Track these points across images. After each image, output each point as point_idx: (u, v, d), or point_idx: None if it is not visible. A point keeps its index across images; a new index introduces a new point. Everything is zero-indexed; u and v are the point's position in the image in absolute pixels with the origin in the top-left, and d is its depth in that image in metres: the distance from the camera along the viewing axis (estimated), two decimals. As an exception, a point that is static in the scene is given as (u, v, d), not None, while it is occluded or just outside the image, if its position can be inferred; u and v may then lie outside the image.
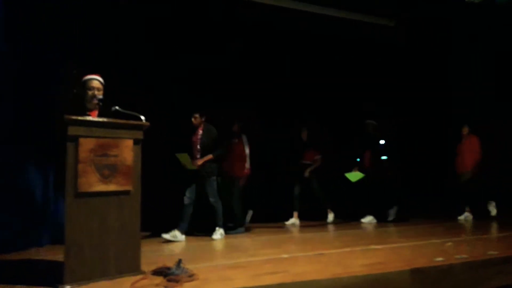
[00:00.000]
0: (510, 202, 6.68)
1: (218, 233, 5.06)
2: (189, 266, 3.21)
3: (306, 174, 6.34)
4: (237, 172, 5.75)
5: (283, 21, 6.67)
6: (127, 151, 3.20)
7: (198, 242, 4.94)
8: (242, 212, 5.76)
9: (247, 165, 5.79)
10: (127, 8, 5.63)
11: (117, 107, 3.41)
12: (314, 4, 6.57)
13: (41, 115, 4.29)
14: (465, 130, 6.49)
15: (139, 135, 3.30)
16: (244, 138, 5.86)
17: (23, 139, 4.22)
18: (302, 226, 6.09)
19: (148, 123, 3.35)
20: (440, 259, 3.56)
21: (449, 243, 4.36)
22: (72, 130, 2.96)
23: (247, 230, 5.73)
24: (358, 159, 6.50)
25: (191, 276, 3.04)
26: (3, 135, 4.03)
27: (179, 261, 3.20)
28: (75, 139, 2.98)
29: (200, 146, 5.09)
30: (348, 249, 4.19)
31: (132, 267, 3.19)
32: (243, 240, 5.02)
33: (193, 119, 5.08)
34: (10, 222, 4.12)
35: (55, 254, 3.84)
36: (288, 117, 7.25)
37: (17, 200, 4.27)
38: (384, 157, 6.36)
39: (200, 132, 5.11)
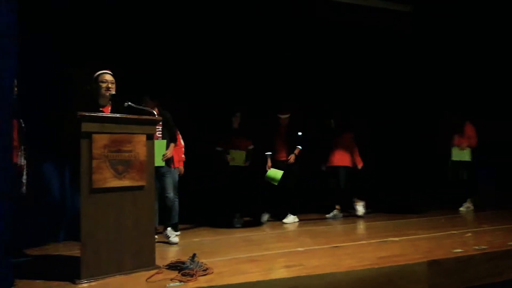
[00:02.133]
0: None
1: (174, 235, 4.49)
2: (203, 260, 3.23)
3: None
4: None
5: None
6: (140, 146, 3.21)
7: (212, 237, 4.95)
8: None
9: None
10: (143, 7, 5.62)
11: (129, 103, 3.44)
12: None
13: (55, 113, 4.34)
14: (331, 123, 6.26)
15: (152, 130, 3.32)
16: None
17: (39, 137, 4.29)
18: (317, 219, 6.01)
19: (160, 118, 3.37)
20: (459, 250, 3.50)
21: (468, 234, 4.28)
22: (85, 127, 2.99)
23: (261, 224, 5.67)
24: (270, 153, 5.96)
25: (205, 270, 3.06)
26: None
27: (194, 256, 3.22)
28: (89, 135, 3.00)
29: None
30: (364, 242, 4.15)
31: (147, 262, 3.22)
32: (257, 234, 5.00)
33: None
34: (28, 218, 4.20)
35: (73, 250, 3.90)
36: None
37: (34, 197, 4.35)
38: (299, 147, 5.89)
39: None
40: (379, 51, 7.53)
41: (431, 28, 7.25)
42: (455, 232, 4.50)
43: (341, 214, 6.10)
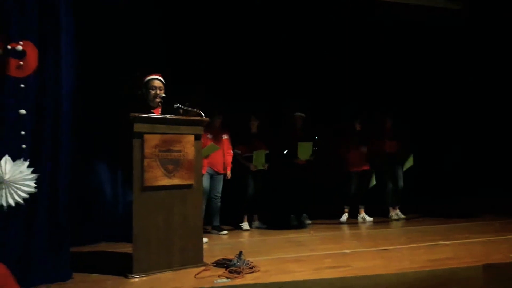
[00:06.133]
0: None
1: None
2: (250, 259, 3.25)
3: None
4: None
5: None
6: (189, 146, 3.30)
7: (257, 237, 4.99)
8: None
9: None
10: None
11: (178, 104, 3.54)
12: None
13: (107, 116, 4.55)
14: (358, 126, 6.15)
15: (200, 130, 3.41)
16: None
17: (92, 139, 4.51)
18: (362, 223, 5.91)
19: (208, 119, 3.45)
20: (517, 255, 3.32)
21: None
22: (137, 127, 3.12)
23: (303, 226, 5.66)
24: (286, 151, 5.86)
25: (252, 268, 3.09)
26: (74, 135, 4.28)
27: (240, 253, 3.26)
28: (141, 135, 3.12)
29: None
30: (414, 245, 4.02)
31: (195, 259, 3.30)
32: (302, 235, 4.98)
33: None
34: (84, 218, 4.42)
35: (125, 247, 4.05)
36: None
37: (88, 197, 4.58)
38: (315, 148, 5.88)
39: None
40: (429, 46, 7.33)
41: (484, 24, 6.92)
42: (511, 236, 4.27)
43: (371, 218, 6.01)
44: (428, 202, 7.00)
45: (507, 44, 6.97)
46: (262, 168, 5.59)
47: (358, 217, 6.05)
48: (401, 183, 6.21)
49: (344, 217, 6.00)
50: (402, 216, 6.11)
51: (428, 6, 6.36)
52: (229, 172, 5.30)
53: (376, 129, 6.33)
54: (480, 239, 4.19)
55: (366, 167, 6.11)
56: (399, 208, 6.23)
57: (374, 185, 6.12)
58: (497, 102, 7.26)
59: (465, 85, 7.48)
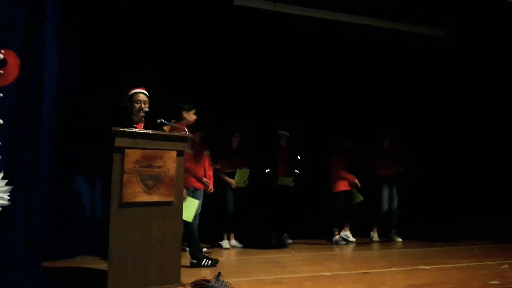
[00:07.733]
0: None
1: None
2: (228, 280, 3.18)
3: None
4: None
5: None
6: (170, 162, 3.24)
7: (237, 256, 4.92)
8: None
9: None
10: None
11: (162, 120, 3.49)
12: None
13: (88, 128, 4.47)
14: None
15: (182, 146, 3.35)
16: None
17: (71, 151, 4.42)
18: (346, 244, 5.88)
19: (191, 135, 3.41)
20: (495, 282, 3.33)
21: (505, 266, 4.07)
22: (119, 142, 3.05)
23: (284, 245, 5.60)
24: (268, 170, 5.89)
25: (230, 290, 3.02)
26: (54, 146, 4.19)
27: (218, 274, 3.18)
28: (122, 150, 3.06)
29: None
30: (394, 269, 4.01)
31: (172, 279, 3.20)
32: (283, 256, 4.92)
33: None
34: (58, 231, 4.29)
35: (100, 263, 3.94)
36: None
37: (65, 210, 4.45)
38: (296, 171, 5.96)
39: None
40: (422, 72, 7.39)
41: (473, 50, 7.02)
42: (490, 263, 4.30)
43: (354, 239, 5.94)
44: (411, 222, 6.99)
45: (500, 67, 7.08)
46: (242, 186, 5.55)
47: (342, 235, 5.98)
48: (395, 204, 6.18)
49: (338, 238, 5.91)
50: (399, 239, 6.06)
51: (411, 32, 6.50)
52: (211, 187, 5.17)
53: (374, 151, 6.35)
54: (459, 265, 4.20)
55: (347, 188, 6.02)
56: (395, 232, 6.20)
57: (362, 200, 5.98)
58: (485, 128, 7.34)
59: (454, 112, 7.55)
